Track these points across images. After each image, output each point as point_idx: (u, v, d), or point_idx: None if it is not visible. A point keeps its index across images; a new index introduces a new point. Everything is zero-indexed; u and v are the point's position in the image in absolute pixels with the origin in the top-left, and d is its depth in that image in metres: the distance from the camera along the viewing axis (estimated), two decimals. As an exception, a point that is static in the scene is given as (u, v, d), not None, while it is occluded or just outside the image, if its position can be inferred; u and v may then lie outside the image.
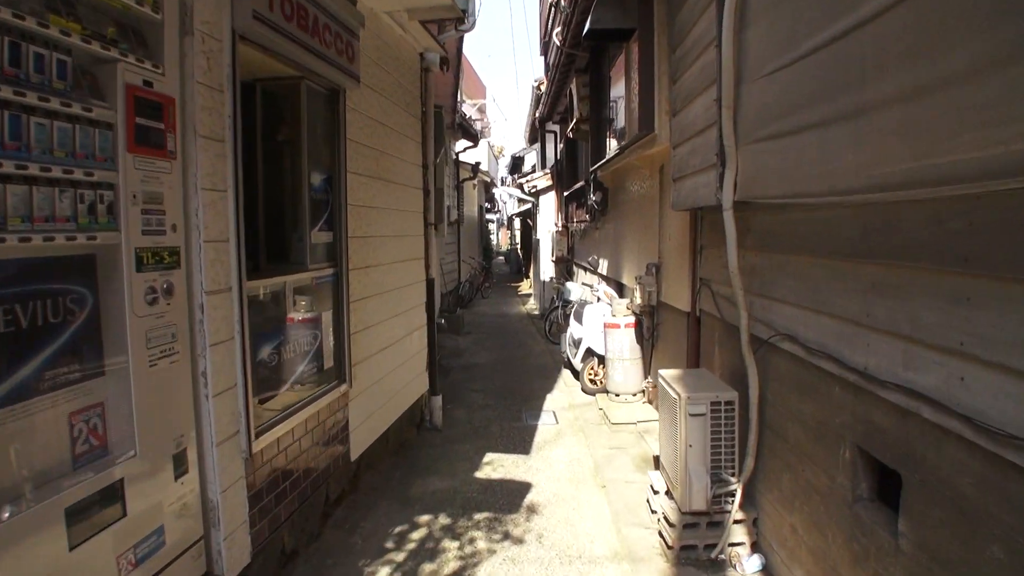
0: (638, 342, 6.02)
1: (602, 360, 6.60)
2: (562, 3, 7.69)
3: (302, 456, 3.05)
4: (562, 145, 12.11)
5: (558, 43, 7.94)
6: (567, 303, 9.01)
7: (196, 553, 2.30)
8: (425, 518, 3.74)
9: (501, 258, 31.41)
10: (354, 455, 3.72)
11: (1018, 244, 1.52)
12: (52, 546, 1.70)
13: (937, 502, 1.86)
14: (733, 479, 3.27)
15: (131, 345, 1.95)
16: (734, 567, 3.18)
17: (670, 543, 3.30)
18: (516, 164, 23.60)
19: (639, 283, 5.43)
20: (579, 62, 8.50)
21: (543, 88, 11.86)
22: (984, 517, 1.66)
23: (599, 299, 7.18)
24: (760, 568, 3.13)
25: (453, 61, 6.16)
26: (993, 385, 1.60)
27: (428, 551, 3.36)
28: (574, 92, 8.23)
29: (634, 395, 6.08)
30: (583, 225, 9.54)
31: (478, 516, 3.82)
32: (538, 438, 5.35)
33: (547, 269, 12.96)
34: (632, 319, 6.01)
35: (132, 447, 1.98)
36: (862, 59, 1.95)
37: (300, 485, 3.05)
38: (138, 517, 2.00)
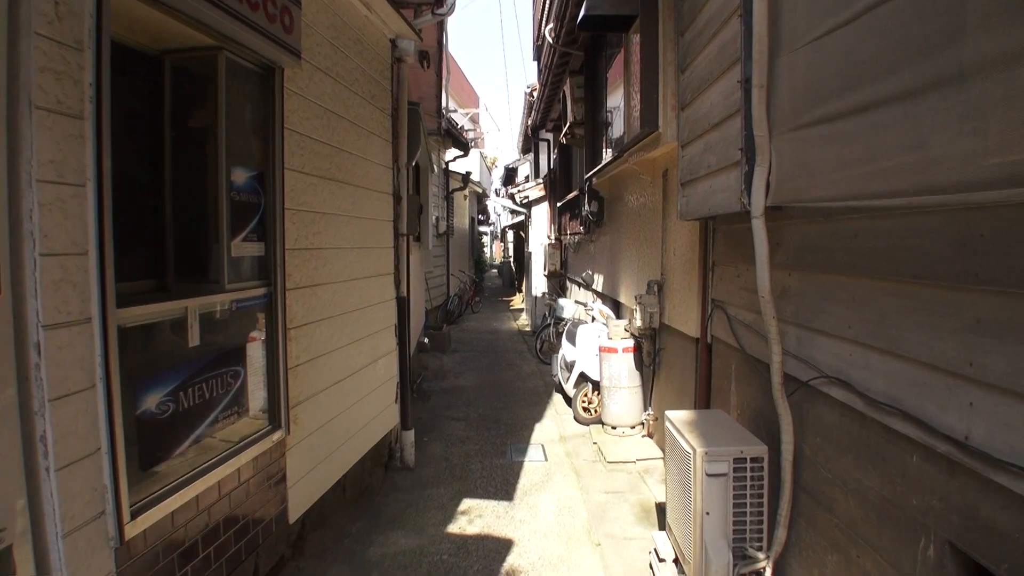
0: (637, 368, 5.37)
1: (597, 387, 5.94)
2: (555, -2, 7.13)
3: (213, 529, 2.38)
4: (555, 154, 11.53)
5: (551, 40, 7.37)
6: (559, 320, 8.37)
7: None
8: (381, 593, 3.07)
9: (495, 271, 30.75)
10: (295, 514, 3.04)
11: None
12: None
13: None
14: (760, 555, 2.61)
15: None
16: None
17: (682, 636, 2.64)
18: (510, 175, 23.07)
19: (639, 303, 4.80)
20: (573, 63, 7.93)
21: (535, 95, 11.31)
22: None
23: (594, 319, 6.54)
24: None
25: (435, 56, 5.56)
26: None
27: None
28: (568, 94, 7.65)
29: (632, 427, 5.42)
30: (577, 237, 8.92)
31: (446, 589, 3.15)
32: (524, 480, 4.68)
33: (539, 284, 12.32)
34: (631, 343, 5.37)
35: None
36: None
37: (211, 566, 2.37)
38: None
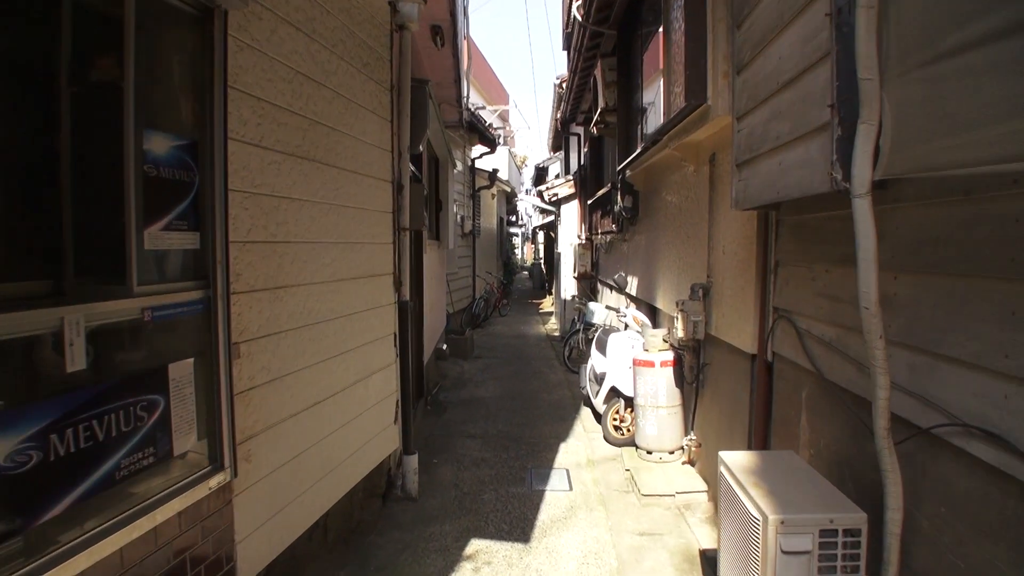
0: (677, 386, 4.65)
1: (629, 403, 5.24)
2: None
3: (115, 613, 1.78)
4: (586, 148, 10.83)
5: (580, 17, 6.69)
6: (589, 326, 7.68)
7: None
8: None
9: (525, 273, 30.08)
10: (250, 573, 2.44)
11: None
12: None
13: None
14: (857, 663, 1.89)
15: None
16: None
17: None
18: (540, 175, 22.38)
19: (681, 310, 4.09)
20: (605, 45, 7.24)
21: (564, 85, 10.63)
22: None
23: (626, 326, 5.83)
24: None
25: (448, 32, 4.94)
26: None
27: None
28: (599, 79, 6.96)
29: (671, 452, 4.70)
30: (608, 237, 8.20)
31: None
32: (544, 514, 4.01)
33: (568, 286, 11.62)
34: (670, 355, 4.65)
35: None
36: None
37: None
38: None
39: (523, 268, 31.69)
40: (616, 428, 5.38)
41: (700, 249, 4.18)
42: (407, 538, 3.62)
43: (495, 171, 13.81)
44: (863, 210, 1.71)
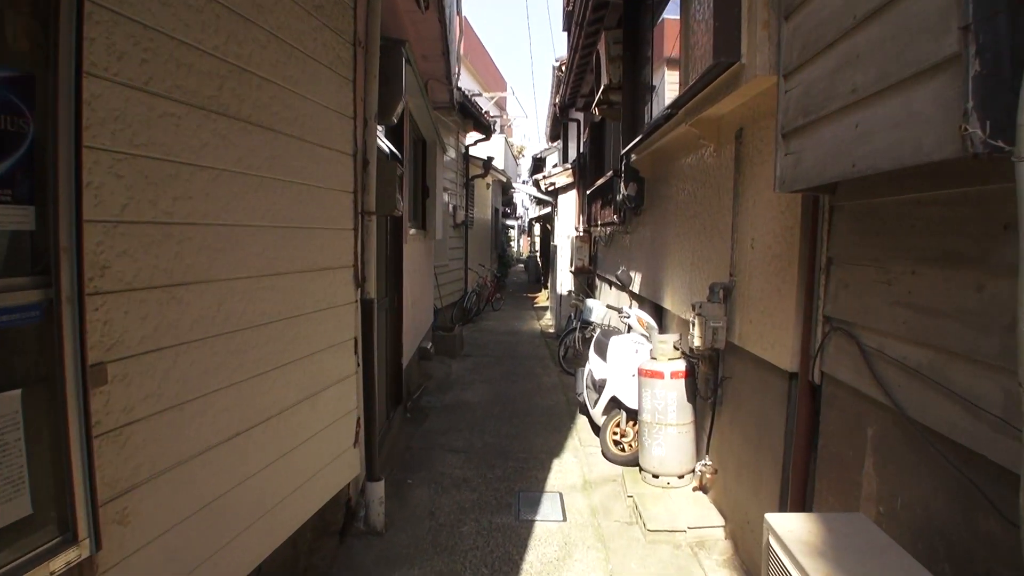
0: (690, 400, 4.03)
1: (631, 415, 4.63)
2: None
3: None
4: (585, 135, 10.16)
5: (582, -18, 6.01)
6: (586, 324, 7.05)
7: None
8: None
9: (520, 266, 29.40)
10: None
11: None
12: None
13: None
14: None
15: None
16: None
17: None
18: (537, 165, 21.67)
19: (698, 313, 3.45)
20: (609, 18, 6.57)
21: (564, 67, 9.93)
22: None
23: (630, 328, 5.20)
24: None
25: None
26: None
27: None
28: (602, 54, 6.28)
29: (680, 477, 4.08)
30: (609, 229, 7.56)
31: None
32: (532, 554, 3.39)
33: (565, 281, 10.98)
34: (682, 365, 4.03)
35: None
36: None
37: None
38: None
39: (519, 261, 31.02)
40: (616, 443, 4.76)
41: (721, 243, 3.54)
42: (365, 588, 3.00)
43: (490, 159, 13.11)
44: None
